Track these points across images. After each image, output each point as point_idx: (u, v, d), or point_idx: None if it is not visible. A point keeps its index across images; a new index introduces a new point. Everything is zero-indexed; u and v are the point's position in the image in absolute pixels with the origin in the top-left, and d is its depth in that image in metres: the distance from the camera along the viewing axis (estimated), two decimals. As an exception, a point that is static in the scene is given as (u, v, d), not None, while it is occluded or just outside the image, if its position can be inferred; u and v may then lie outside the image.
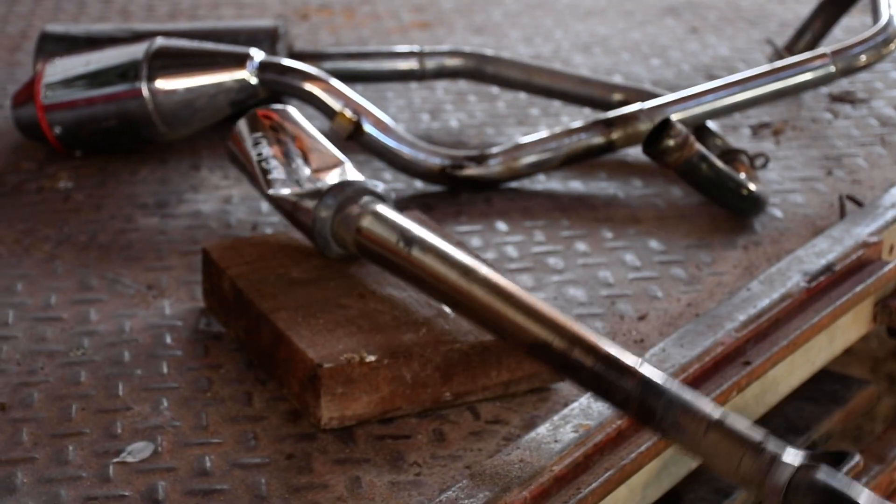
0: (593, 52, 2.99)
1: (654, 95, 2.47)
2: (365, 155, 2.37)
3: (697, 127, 2.36)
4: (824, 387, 2.15)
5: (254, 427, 1.67)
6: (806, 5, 2.97)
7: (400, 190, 2.33)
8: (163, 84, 2.34)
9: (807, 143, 2.51)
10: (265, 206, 2.25)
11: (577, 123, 2.33)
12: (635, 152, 2.41)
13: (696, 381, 1.75)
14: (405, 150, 2.30)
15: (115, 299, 1.98)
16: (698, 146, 2.13)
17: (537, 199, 2.30)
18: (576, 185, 2.35)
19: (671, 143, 2.10)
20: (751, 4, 3.32)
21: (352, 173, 1.94)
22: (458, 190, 2.32)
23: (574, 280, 2.02)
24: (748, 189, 2.18)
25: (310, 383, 1.65)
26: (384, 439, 1.64)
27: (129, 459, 1.61)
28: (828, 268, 1.99)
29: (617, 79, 2.76)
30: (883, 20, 2.46)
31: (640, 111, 2.31)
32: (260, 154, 1.98)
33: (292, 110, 2.06)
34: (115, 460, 1.60)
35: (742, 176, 2.22)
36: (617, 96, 2.53)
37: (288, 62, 2.36)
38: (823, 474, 1.39)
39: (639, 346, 1.84)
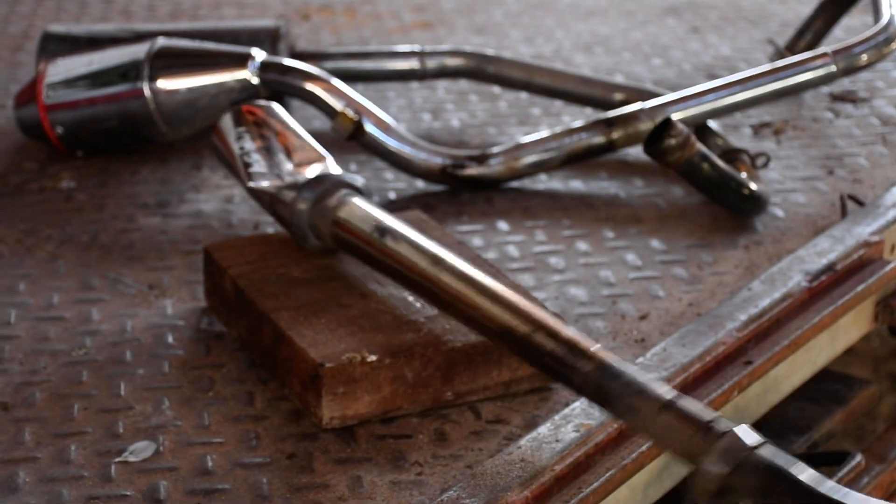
0: (594, 51, 2.99)
1: (655, 95, 2.47)
2: (366, 155, 2.37)
3: (698, 126, 2.36)
4: (825, 386, 2.16)
5: (255, 427, 1.67)
6: (807, 5, 2.97)
7: (401, 189, 2.34)
8: (164, 84, 2.34)
9: (808, 143, 2.51)
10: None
11: (578, 123, 2.34)
12: (636, 152, 2.41)
13: (698, 381, 1.76)
14: (406, 150, 2.30)
15: (117, 299, 1.98)
16: (699, 146, 2.13)
17: (538, 198, 2.30)
18: (577, 185, 2.35)
19: (672, 142, 2.10)
20: (752, 4, 3.32)
21: (333, 169, 1.95)
22: (460, 189, 2.32)
23: (575, 279, 2.02)
24: (749, 188, 2.18)
25: (311, 383, 1.65)
26: (385, 439, 1.65)
27: (131, 459, 1.61)
28: (829, 267, 1.99)
29: (618, 78, 2.76)
30: (884, 19, 2.46)
31: (641, 111, 2.31)
32: (242, 148, 2.00)
33: (277, 107, 2.08)
34: (117, 460, 1.61)
35: (743, 175, 2.22)
36: (618, 96, 2.53)
37: (289, 62, 2.36)
38: (768, 453, 1.40)
39: (640, 346, 1.84)
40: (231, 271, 1.86)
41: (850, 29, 2.94)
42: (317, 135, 2.10)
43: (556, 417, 1.65)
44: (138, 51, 2.37)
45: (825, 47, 2.41)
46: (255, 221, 2.22)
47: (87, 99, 2.38)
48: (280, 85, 2.34)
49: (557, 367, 1.55)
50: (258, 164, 1.97)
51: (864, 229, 2.10)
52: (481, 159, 2.31)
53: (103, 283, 2.03)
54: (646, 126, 2.28)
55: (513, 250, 2.12)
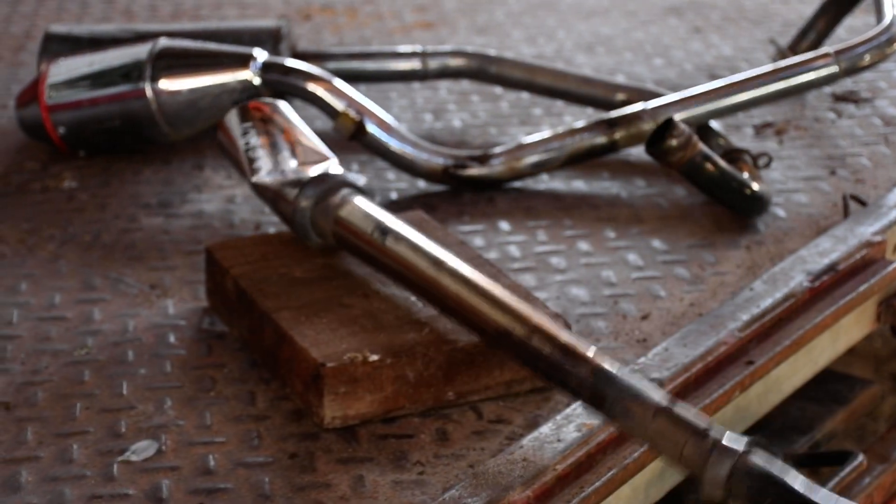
0: (596, 51, 2.99)
1: (656, 95, 2.47)
2: (368, 155, 2.37)
3: (700, 127, 2.36)
4: (827, 386, 2.15)
5: (257, 426, 1.67)
6: (809, 5, 2.97)
7: (403, 190, 2.34)
8: (166, 84, 2.34)
9: (810, 143, 2.51)
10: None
11: (580, 123, 2.34)
12: (638, 152, 2.41)
13: (699, 381, 1.75)
14: (408, 150, 2.30)
15: (119, 299, 1.98)
16: (701, 146, 2.13)
17: (540, 198, 2.30)
18: (579, 185, 2.35)
19: (674, 142, 2.10)
20: (754, 4, 3.32)
21: (336, 168, 1.95)
22: (461, 190, 2.32)
23: (577, 280, 2.02)
24: (751, 189, 2.18)
25: (313, 383, 1.65)
26: (387, 438, 1.65)
27: (133, 458, 1.61)
28: (831, 267, 1.99)
29: (620, 79, 2.76)
30: (886, 20, 2.46)
31: (643, 111, 2.31)
32: (248, 143, 2.00)
33: (283, 104, 2.08)
34: (119, 459, 1.61)
35: (745, 175, 2.22)
36: (620, 96, 2.53)
37: (291, 62, 2.36)
38: (761, 460, 1.41)
39: (641, 346, 1.84)
40: (233, 271, 1.86)
41: (852, 29, 2.94)
42: (319, 135, 2.10)
43: (558, 417, 1.65)
44: (140, 51, 2.37)
45: (827, 47, 2.41)
46: (257, 221, 2.22)
47: (89, 99, 2.39)
48: (282, 85, 2.35)
49: (554, 371, 1.56)
50: (262, 159, 1.97)
51: (867, 229, 2.10)
52: (483, 160, 2.31)
53: (105, 282, 2.03)
54: (648, 126, 2.28)
55: (514, 250, 2.12)
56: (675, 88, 2.58)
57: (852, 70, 2.38)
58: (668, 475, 1.71)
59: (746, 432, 1.72)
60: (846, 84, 2.74)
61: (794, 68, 2.36)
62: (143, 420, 1.68)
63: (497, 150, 2.33)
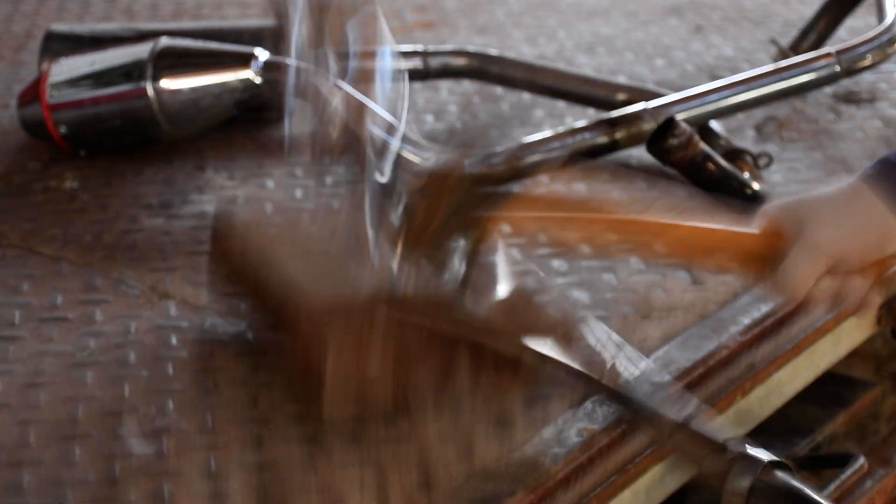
0: (597, 52, 2.99)
1: (657, 95, 2.47)
2: (369, 155, 2.37)
3: (701, 127, 2.36)
4: (828, 388, 2.15)
5: (259, 429, 1.67)
6: (810, 5, 2.97)
7: (404, 190, 2.33)
8: (168, 84, 2.34)
9: (811, 145, 2.51)
10: (269, 206, 2.25)
11: (581, 123, 2.33)
12: (639, 152, 2.41)
13: (700, 384, 1.76)
14: (409, 151, 2.30)
15: (121, 300, 1.98)
16: (702, 145, 2.13)
17: (541, 199, 2.30)
18: (579, 186, 2.35)
19: (675, 141, 2.10)
20: (755, 4, 3.32)
21: None
22: (463, 190, 2.32)
23: (577, 282, 2.02)
24: (752, 188, 2.18)
25: (316, 384, 1.65)
26: (389, 441, 1.65)
27: (135, 461, 1.61)
28: (832, 270, 1.98)
29: (621, 79, 2.76)
30: (888, 20, 2.46)
31: (644, 111, 2.31)
32: None
33: None
34: (121, 462, 1.61)
35: (746, 175, 2.22)
36: (621, 96, 2.53)
37: (292, 62, 2.35)
38: (784, 475, 1.41)
39: (642, 349, 1.83)
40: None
41: (854, 30, 2.93)
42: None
43: (559, 421, 1.65)
44: (141, 50, 2.37)
45: (829, 47, 2.41)
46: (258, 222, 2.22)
47: (91, 98, 2.38)
48: (283, 85, 2.34)
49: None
50: None
51: (867, 231, 2.10)
52: (484, 160, 2.31)
53: (107, 283, 2.03)
54: (649, 126, 2.28)
55: (515, 252, 2.11)
56: (676, 89, 2.57)
57: (853, 70, 2.38)
58: (668, 480, 1.71)
59: (747, 435, 1.72)
60: (847, 85, 2.74)
61: (794, 68, 2.36)
62: (145, 422, 1.68)
63: (497, 150, 2.33)
